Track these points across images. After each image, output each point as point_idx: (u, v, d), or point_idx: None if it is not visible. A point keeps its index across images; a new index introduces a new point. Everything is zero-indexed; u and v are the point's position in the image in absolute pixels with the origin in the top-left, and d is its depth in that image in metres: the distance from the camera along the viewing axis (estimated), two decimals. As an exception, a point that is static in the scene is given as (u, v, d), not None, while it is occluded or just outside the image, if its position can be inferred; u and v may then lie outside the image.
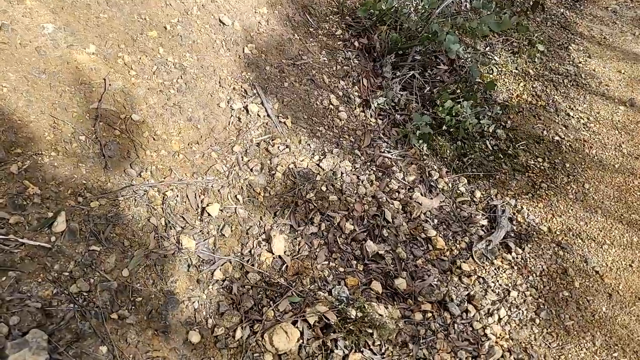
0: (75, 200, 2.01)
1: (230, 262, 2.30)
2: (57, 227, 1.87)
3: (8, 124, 1.98)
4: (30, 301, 1.65)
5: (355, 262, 2.61)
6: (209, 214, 2.40)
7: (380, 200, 2.94)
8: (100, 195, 2.09)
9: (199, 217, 2.37)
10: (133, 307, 1.89)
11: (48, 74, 2.22)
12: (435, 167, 3.37)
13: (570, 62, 4.86)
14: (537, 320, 2.62)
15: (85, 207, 2.01)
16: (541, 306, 2.70)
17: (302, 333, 2.17)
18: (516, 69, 4.58)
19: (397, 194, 3.05)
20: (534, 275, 2.85)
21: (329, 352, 2.17)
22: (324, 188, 2.85)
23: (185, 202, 2.37)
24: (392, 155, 3.28)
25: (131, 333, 1.83)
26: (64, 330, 1.68)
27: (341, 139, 3.21)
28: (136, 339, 1.83)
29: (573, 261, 2.97)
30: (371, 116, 3.48)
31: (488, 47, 4.52)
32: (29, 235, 1.80)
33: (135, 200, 2.19)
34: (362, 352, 2.22)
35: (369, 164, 3.15)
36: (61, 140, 2.10)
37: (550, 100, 4.35)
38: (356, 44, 3.81)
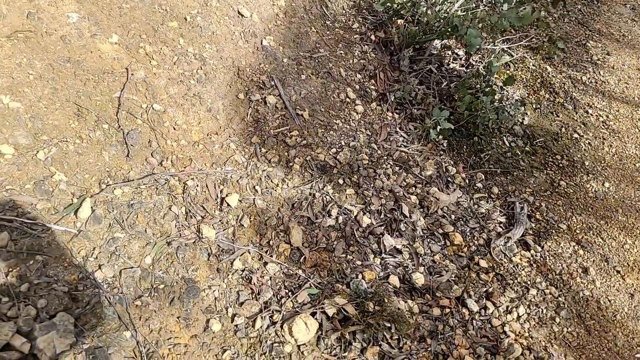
0: (99, 187, 2.03)
1: (249, 252, 2.30)
2: (82, 213, 1.88)
3: (35, 110, 2.00)
4: (57, 285, 1.67)
5: (372, 255, 2.60)
6: (228, 204, 2.40)
7: (397, 194, 2.93)
8: (123, 183, 2.10)
9: (218, 207, 2.38)
10: (155, 294, 1.90)
11: (72, 62, 2.23)
12: (452, 163, 3.35)
13: (589, 59, 4.79)
14: (557, 319, 2.59)
15: (109, 194, 2.02)
16: (561, 305, 2.66)
17: (321, 325, 2.17)
18: (533, 65, 4.52)
19: (414, 188, 3.03)
20: (554, 273, 2.82)
21: (347, 344, 2.17)
22: (340, 181, 2.84)
23: (205, 191, 2.38)
24: (409, 149, 3.26)
25: (154, 319, 1.84)
26: (89, 314, 1.69)
27: (358, 133, 3.19)
28: (158, 325, 1.84)
29: (594, 260, 2.93)
30: (388, 110, 3.46)
31: (506, 43, 4.46)
32: (55, 220, 1.82)
33: (157, 188, 2.20)
34: (380, 345, 2.21)
35: (385, 157, 3.14)
36: (85, 127, 2.12)
37: (569, 97, 4.29)
38: (373, 37, 3.79)
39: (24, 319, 1.52)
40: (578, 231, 3.11)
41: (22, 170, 1.83)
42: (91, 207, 1.92)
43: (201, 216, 2.28)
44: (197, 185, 2.35)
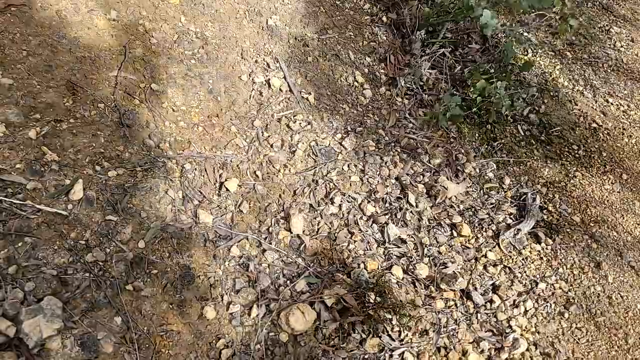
0: (92, 168, 1.97)
1: (248, 239, 2.24)
2: (74, 195, 1.83)
3: (27, 88, 1.93)
4: (46, 268, 1.63)
5: (375, 245, 2.52)
6: (227, 189, 2.33)
7: (403, 182, 2.83)
8: (118, 165, 2.04)
9: (217, 192, 2.31)
10: (148, 280, 1.85)
11: (68, 38, 2.16)
12: (463, 151, 3.22)
13: (611, 46, 4.57)
14: (566, 315, 2.49)
15: (102, 176, 1.97)
16: (571, 300, 2.56)
17: (319, 315, 2.11)
18: (552, 50, 4.32)
19: (421, 177, 2.92)
20: (564, 267, 2.71)
21: (345, 335, 2.11)
22: (345, 167, 2.75)
23: (203, 175, 2.31)
24: (417, 136, 3.14)
25: (146, 305, 1.80)
26: (79, 299, 1.65)
27: (365, 118, 3.08)
28: (151, 311, 1.80)
29: (607, 255, 2.81)
30: (397, 95, 3.33)
31: (523, 27, 4.27)
32: (46, 201, 1.77)
33: (153, 171, 2.14)
34: (380, 337, 2.15)
35: (393, 144, 3.03)
36: (80, 107, 2.05)
37: (589, 85, 4.10)
38: (384, 19, 3.64)
39: (10, 302, 1.48)
40: (592, 224, 2.98)
41: (13, 150, 1.78)
42: (84, 189, 1.86)
43: (198, 201, 2.21)
44: (196, 169, 2.28)
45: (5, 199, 1.67)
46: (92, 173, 1.95)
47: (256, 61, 2.87)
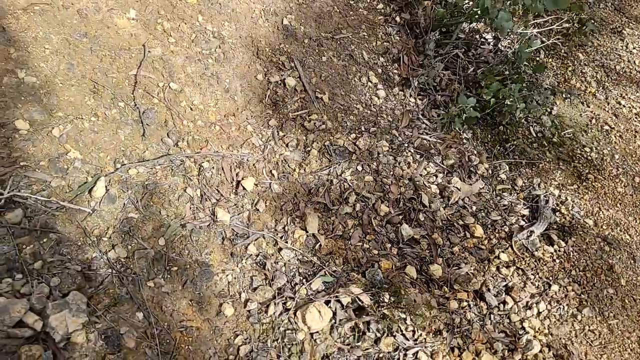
0: (114, 166, 2.00)
1: (264, 238, 2.26)
2: (96, 192, 1.86)
3: (51, 86, 1.96)
4: (71, 264, 1.66)
5: (389, 245, 2.54)
6: (243, 188, 2.35)
7: (417, 183, 2.84)
8: (138, 163, 2.07)
9: (233, 191, 2.34)
10: (168, 276, 1.88)
11: (89, 37, 2.19)
12: (476, 152, 3.23)
13: (624, 48, 4.54)
14: (579, 317, 2.50)
15: (123, 174, 1.99)
16: (583, 302, 2.57)
17: (334, 313, 2.12)
18: (565, 52, 4.31)
19: (434, 177, 2.93)
20: (577, 270, 2.71)
21: (361, 334, 2.13)
22: (359, 168, 2.76)
23: (220, 174, 2.33)
24: (431, 137, 3.15)
25: (166, 301, 1.82)
26: (102, 294, 1.68)
27: (379, 118, 3.09)
28: (171, 307, 1.83)
29: (620, 258, 2.81)
30: (411, 96, 3.34)
31: (537, 28, 4.25)
32: (70, 198, 1.80)
33: (172, 169, 2.16)
34: (394, 336, 2.16)
35: (406, 145, 3.04)
36: (101, 105, 2.08)
37: (601, 87, 4.09)
38: (398, 19, 3.65)
39: (37, 297, 1.51)
40: (605, 227, 2.98)
41: (37, 147, 1.81)
42: (105, 187, 1.89)
43: (216, 199, 2.23)
44: (213, 168, 2.30)
45: (31, 195, 1.70)
46: (113, 171, 1.97)
47: (271, 60, 2.88)
